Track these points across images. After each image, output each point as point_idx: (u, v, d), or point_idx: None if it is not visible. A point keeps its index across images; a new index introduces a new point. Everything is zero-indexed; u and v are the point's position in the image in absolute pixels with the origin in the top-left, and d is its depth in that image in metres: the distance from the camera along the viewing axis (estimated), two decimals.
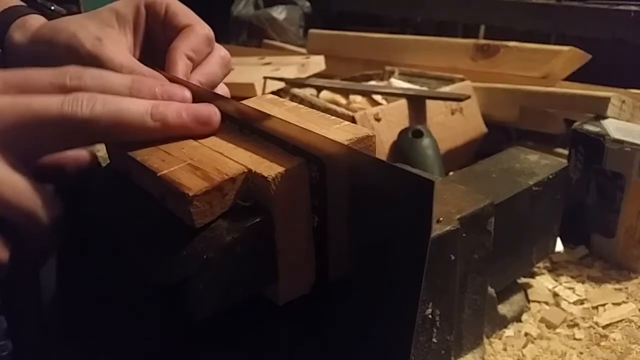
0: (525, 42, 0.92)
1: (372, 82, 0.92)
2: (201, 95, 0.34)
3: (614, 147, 0.59)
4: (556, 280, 0.61)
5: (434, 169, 0.68)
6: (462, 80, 0.85)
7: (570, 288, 0.59)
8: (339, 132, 0.30)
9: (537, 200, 0.51)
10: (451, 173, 0.71)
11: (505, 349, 0.51)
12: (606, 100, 0.69)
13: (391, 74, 0.94)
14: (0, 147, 0.28)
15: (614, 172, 0.60)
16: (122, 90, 0.32)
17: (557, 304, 0.57)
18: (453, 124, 0.81)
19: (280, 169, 0.28)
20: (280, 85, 0.96)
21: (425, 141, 0.71)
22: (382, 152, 0.73)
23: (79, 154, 0.34)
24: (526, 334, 0.53)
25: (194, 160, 0.29)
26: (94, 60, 0.36)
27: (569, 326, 0.54)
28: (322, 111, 0.34)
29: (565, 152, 0.70)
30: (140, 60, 0.38)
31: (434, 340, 0.43)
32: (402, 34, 1.15)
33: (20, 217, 0.29)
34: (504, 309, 0.54)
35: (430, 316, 0.42)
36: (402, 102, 0.77)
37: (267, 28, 1.51)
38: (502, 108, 0.85)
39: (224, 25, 1.54)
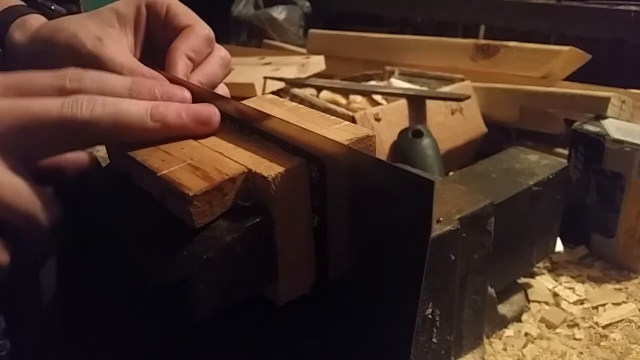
0: (525, 42, 0.92)
1: (372, 82, 0.92)
2: (201, 95, 0.34)
3: (614, 147, 0.59)
4: (556, 280, 0.61)
5: (434, 169, 0.68)
6: (462, 80, 0.85)
7: (570, 288, 0.59)
8: (339, 132, 0.30)
9: (537, 200, 0.51)
10: (451, 173, 0.71)
11: (505, 349, 0.51)
12: (606, 100, 0.69)
13: (391, 74, 0.94)
14: (0, 149, 0.28)
15: (614, 172, 0.60)
16: (122, 92, 0.32)
17: (557, 304, 0.57)
18: (453, 124, 0.81)
19: (280, 169, 0.28)
20: (280, 85, 0.96)
21: (425, 141, 0.71)
22: (382, 152, 0.73)
23: (79, 156, 0.34)
24: (526, 334, 0.53)
25: (194, 160, 0.29)
26: (95, 60, 0.36)
27: (569, 326, 0.54)
28: (322, 111, 0.34)
29: (565, 152, 0.70)
30: (141, 60, 0.38)
31: (434, 340, 0.43)
32: (402, 34, 1.15)
33: (20, 219, 0.29)
34: (504, 309, 0.54)
35: (430, 316, 0.42)
36: (402, 102, 0.77)
37: (267, 28, 1.51)
38: (502, 108, 0.85)
39: (224, 25, 1.54)
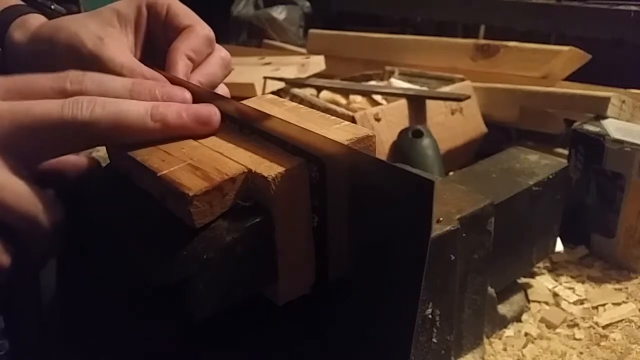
0: (525, 42, 0.92)
1: (372, 82, 0.92)
2: (201, 95, 0.35)
3: (614, 147, 0.59)
4: (556, 280, 0.61)
5: (434, 169, 0.68)
6: (462, 80, 0.85)
7: (570, 288, 0.59)
8: (339, 132, 0.30)
9: (537, 200, 0.51)
10: (451, 173, 0.71)
11: (505, 349, 0.51)
12: (606, 100, 0.69)
13: (391, 74, 0.94)
14: (1, 151, 0.28)
15: (614, 172, 0.60)
16: (123, 93, 0.32)
17: (557, 304, 0.57)
18: (453, 124, 0.81)
19: (280, 169, 0.28)
20: (280, 85, 0.96)
21: (425, 141, 0.71)
22: (382, 152, 0.73)
23: (79, 159, 0.34)
24: (526, 334, 0.53)
25: (194, 160, 0.29)
26: (95, 60, 0.36)
27: (569, 326, 0.54)
28: (322, 111, 0.34)
29: (565, 152, 0.70)
30: (141, 60, 0.38)
31: (434, 340, 0.43)
32: (402, 34, 1.15)
33: (21, 221, 0.29)
34: (504, 309, 0.54)
35: (430, 316, 0.42)
36: (402, 102, 0.77)
37: (267, 28, 1.51)
38: (502, 108, 0.85)
39: (224, 25, 1.54)
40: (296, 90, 0.86)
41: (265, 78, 0.96)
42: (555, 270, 0.62)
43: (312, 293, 0.31)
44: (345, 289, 0.30)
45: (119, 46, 0.38)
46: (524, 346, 0.52)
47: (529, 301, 0.57)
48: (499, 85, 0.86)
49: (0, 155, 0.28)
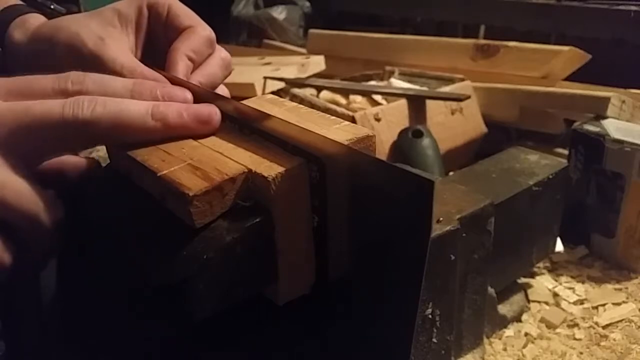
0: (525, 42, 0.92)
1: (372, 82, 0.92)
2: (201, 95, 0.35)
3: (614, 147, 0.59)
4: (556, 280, 0.61)
5: (434, 169, 0.68)
6: (462, 80, 0.85)
7: (570, 288, 0.59)
8: (339, 132, 0.30)
9: (537, 200, 0.51)
10: (451, 173, 0.71)
11: (505, 349, 0.51)
12: (606, 100, 0.69)
13: (391, 74, 0.94)
14: (2, 150, 0.28)
15: (614, 172, 0.60)
16: (124, 94, 0.32)
17: (557, 304, 0.57)
18: (453, 124, 0.81)
19: (280, 169, 0.28)
20: (280, 85, 0.96)
21: (425, 141, 0.71)
22: (382, 152, 0.73)
23: (79, 159, 0.35)
24: (526, 334, 0.53)
25: (194, 160, 0.29)
26: (96, 60, 0.36)
27: (569, 326, 0.54)
28: (322, 111, 0.34)
29: (565, 152, 0.70)
30: (141, 60, 0.38)
31: (434, 340, 0.43)
32: (402, 34, 1.15)
33: (21, 219, 0.29)
34: (504, 309, 0.54)
35: (430, 316, 0.42)
36: (402, 102, 0.77)
37: (267, 28, 1.51)
38: (502, 108, 0.85)
39: (224, 25, 1.54)
40: (296, 90, 0.86)
41: (265, 78, 0.96)
42: (555, 270, 0.62)
43: (312, 293, 0.31)
44: (345, 289, 0.30)
45: (120, 46, 0.38)
46: (524, 346, 0.52)
47: (529, 301, 0.57)
48: (499, 85, 0.86)
49: (1, 154, 0.28)
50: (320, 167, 0.28)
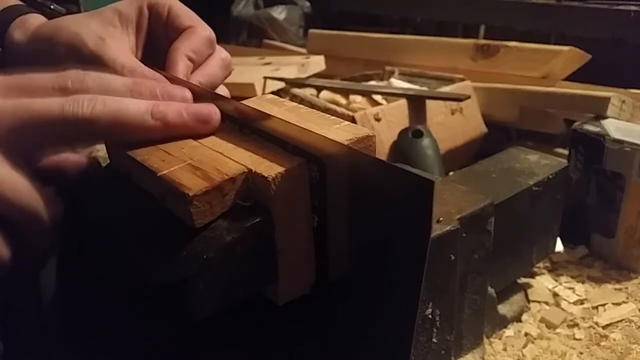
0: (525, 42, 0.92)
1: (372, 82, 0.92)
2: (201, 95, 0.35)
3: (614, 147, 0.59)
4: (556, 280, 0.61)
5: (434, 169, 0.68)
6: (462, 80, 0.85)
7: (570, 288, 0.59)
8: (339, 132, 0.30)
9: (537, 200, 0.51)
10: (451, 173, 0.71)
11: (505, 349, 0.51)
12: (606, 100, 0.69)
13: (391, 74, 0.94)
14: (2, 147, 0.28)
15: (614, 172, 0.60)
16: (124, 92, 0.32)
17: (557, 304, 0.57)
18: (453, 124, 0.81)
19: (280, 169, 0.28)
20: (280, 85, 0.96)
21: (425, 141, 0.71)
22: (382, 152, 0.73)
23: (80, 158, 0.35)
24: (526, 334, 0.53)
25: (194, 160, 0.29)
26: (96, 60, 0.36)
27: (569, 326, 0.54)
28: (322, 111, 0.34)
29: (565, 152, 0.70)
30: (142, 60, 0.38)
31: (434, 340, 0.43)
32: (402, 34, 1.15)
33: (20, 215, 0.29)
34: (504, 309, 0.54)
35: (430, 316, 0.42)
36: (402, 102, 0.77)
37: (267, 28, 1.51)
38: (502, 108, 0.85)
39: (224, 25, 1.54)
40: (296, 90, 0.86)
41: (265, 78, 0.96)
42: (555, 270, 0.62)
43: (312, 293, 0.31)
44: (345, 289, 0.30)
45: (120, 46, 0.38)
46: (524, 346, 0.52)
47: (529, 301, 0.57)
48: (499, 85, 0.86)
49: (1, 151, 0.28)
50: (320, 167, 0.28)
